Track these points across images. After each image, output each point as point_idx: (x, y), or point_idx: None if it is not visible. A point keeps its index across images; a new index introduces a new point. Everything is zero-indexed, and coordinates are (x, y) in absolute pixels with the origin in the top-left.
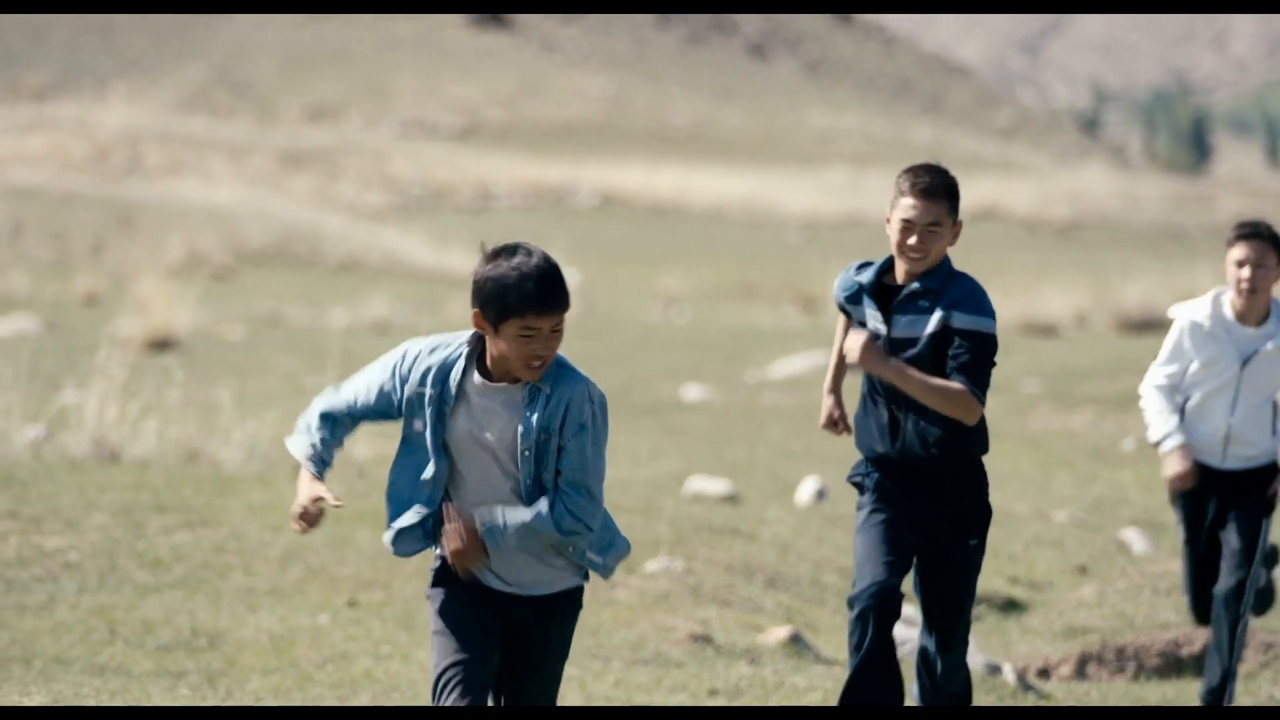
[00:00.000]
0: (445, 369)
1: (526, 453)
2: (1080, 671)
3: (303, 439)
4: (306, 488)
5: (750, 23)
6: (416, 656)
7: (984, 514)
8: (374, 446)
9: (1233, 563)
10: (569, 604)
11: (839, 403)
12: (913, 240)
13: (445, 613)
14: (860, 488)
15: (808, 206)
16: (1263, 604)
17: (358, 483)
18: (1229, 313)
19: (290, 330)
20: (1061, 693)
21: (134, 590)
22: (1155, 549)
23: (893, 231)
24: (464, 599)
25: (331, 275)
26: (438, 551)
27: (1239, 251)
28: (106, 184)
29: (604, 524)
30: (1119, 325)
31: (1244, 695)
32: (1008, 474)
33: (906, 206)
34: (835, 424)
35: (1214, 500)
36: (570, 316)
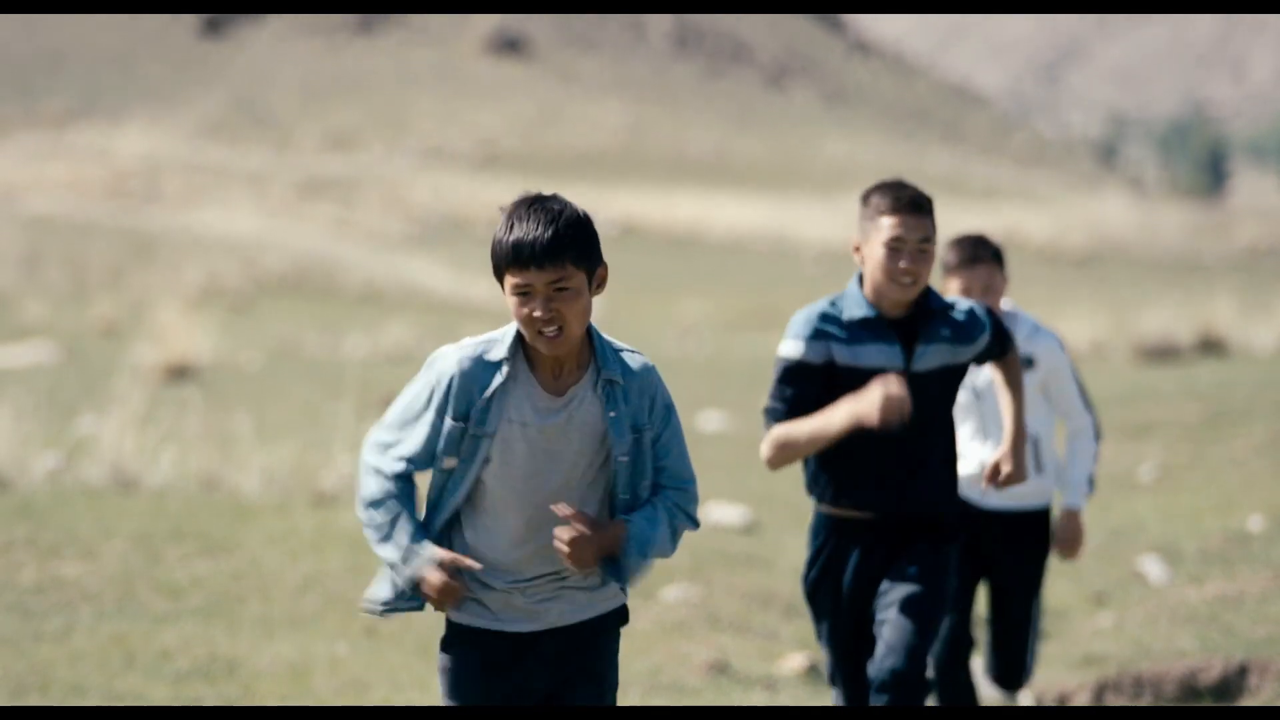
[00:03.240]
0: (489, 397)
1: (623, 458)
2: (1098, 700)
3: (388, 546)
4: (430, 568)
5: (767, 52)
6: (434, 686)
7: (945, 543)
8: None
9: (1006, 638)
10: (610, 623)
11: None
12: (904, 263)
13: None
14: (812, 598)
15: (825, 236)
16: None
17: None
18: None
19: (309, 360)
20: None
21: (151, 619)
22: (1173, 577)
23: (873, 258)
24: (490, 678)
25: (351, 305)
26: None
27: (962, 281)
28: (125, 213)
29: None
30: (1137, 354)
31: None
32: None
33: (892, 225)
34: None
35: (981, 543)
36: None
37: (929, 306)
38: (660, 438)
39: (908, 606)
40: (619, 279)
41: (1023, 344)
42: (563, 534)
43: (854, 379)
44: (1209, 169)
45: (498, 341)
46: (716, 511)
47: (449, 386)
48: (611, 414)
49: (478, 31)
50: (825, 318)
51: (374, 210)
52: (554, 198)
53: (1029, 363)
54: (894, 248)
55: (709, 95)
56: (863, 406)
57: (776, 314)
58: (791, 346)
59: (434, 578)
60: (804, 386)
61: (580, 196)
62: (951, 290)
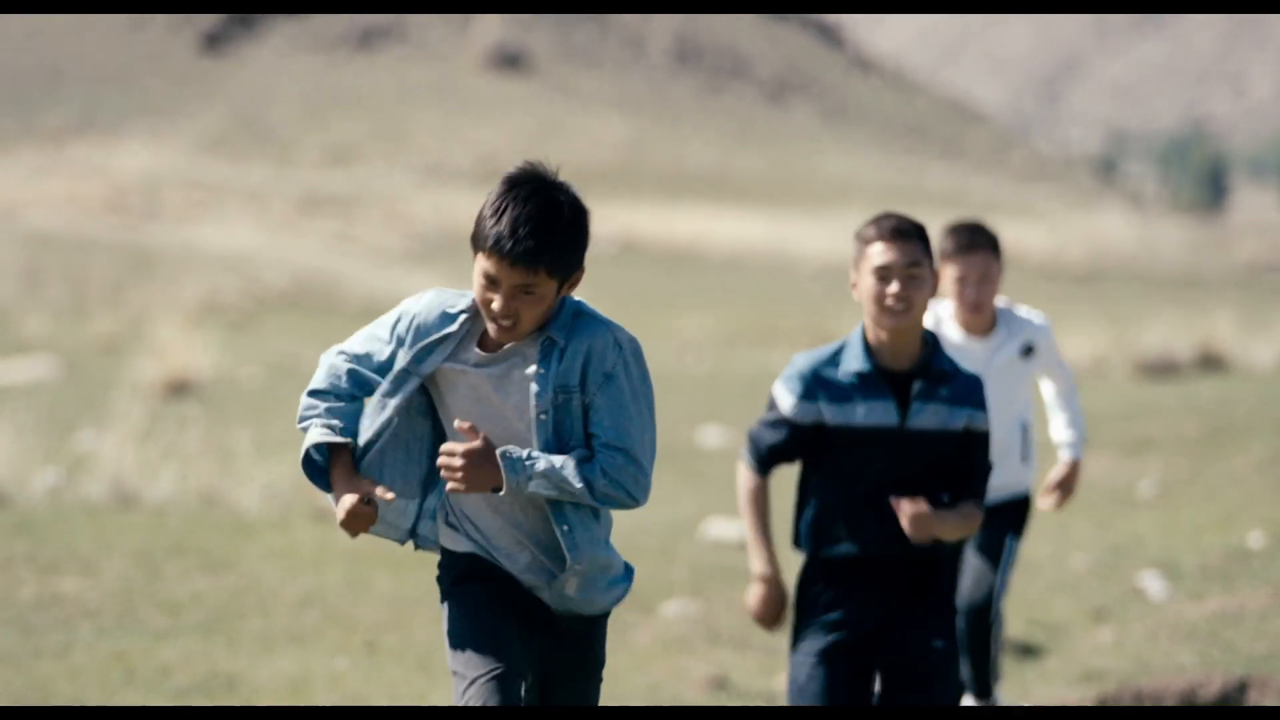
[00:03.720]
0: (433, 341)
1: (543, 416)
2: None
3: (315, 427)
4: (345, 484)
5: (767, 68)
6: (433, 699)
7: (946, 610)
8: None
9: (975, 576)
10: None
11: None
12: (894, 288)
13: (475, 612)
14: (797, 638)
15: (824, 251)
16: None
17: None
18: (953, 330)
19: (309, 375)
20: None
21: (151, 634)
22: (1173, 594)
23: (865, 289)
24: (499, 599)
25: (351, 320)
26: (441, 543)
27: (959, 269)
28: (125, 228)
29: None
30: (1137, 370)
31: None
32: None
33: (879, 252)
34: (778, 617)
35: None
36: None
37: (935, 365)
38: (594, 404)
39: (924, 683)
40: (619, 294)
41: (1028, 334)
42: (445, 448)
43: (845, 438)
44: (1209, 185)
45: (465, 297)
46: (715, 527)
47: (411, 320)
48: (540, 370)
49: (477, 47)
50: (822, 373)
51: (374, 225)
52: (559, 187)
53: (1030, 350)
54: (882, 276)
55: (709, 111)
56: (751, 591)
57: (776, 329)
58: (785, 399)
59: (347, 500)
60: (788, 439)
61: None
62: (946, 278)
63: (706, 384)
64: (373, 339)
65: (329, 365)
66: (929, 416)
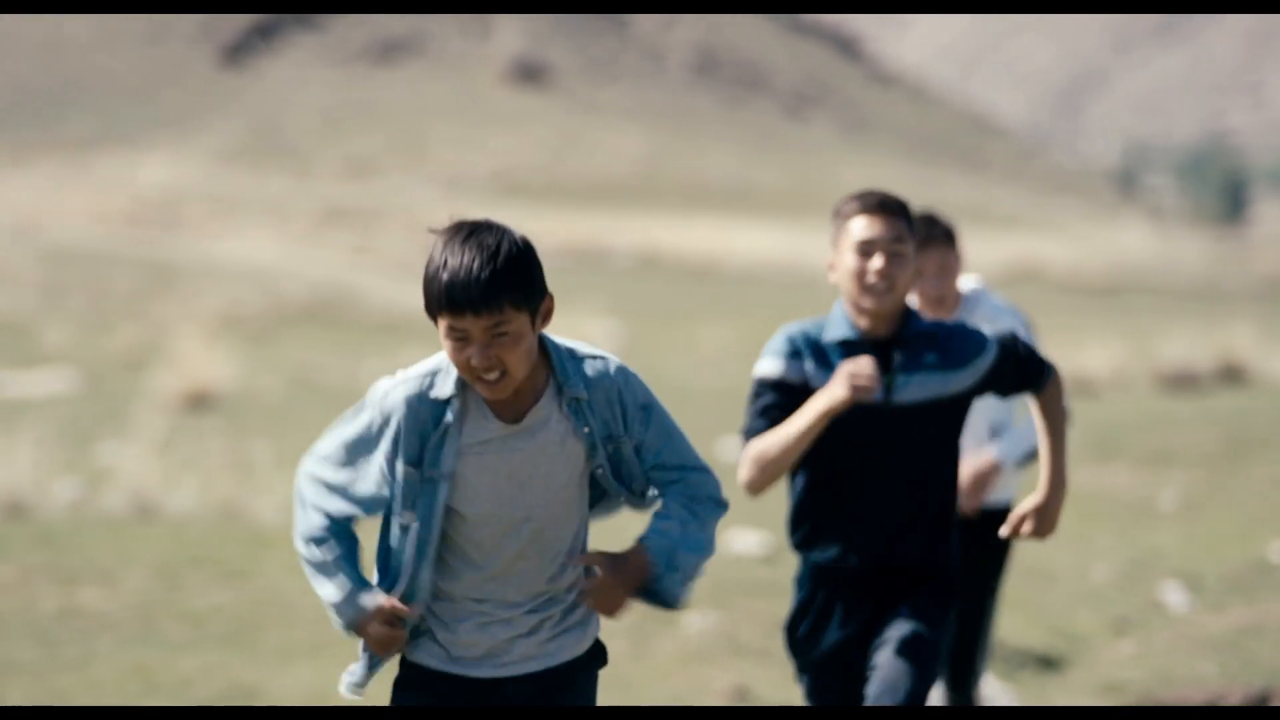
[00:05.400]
0: (439, 429)
1: (600, 471)
2: None
3: (330, 585)
4: (372, 609)
5: (786, 81)
6: None
7: (942, 599)
8: None
9: (963, 634)
10: (584, 663)
11: None
12: (877, 263)
13: None
14: (795, 650)
15: None
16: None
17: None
18: None
19: (328, 387)
20: None
21: (171, 647)
22: (1194, 605)
23: (845, 267)
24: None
25: (370, 332)
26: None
27: (937, 258)
28: (145, 241)
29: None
30: (1157, 382)
31: None
32: None
33: (861, 226)
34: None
35: None
36: None
37: (911, 329)
38: (644, 443)
39: (903, 650)
40: (638, 307)
41: (982, 324)
42: (586, 587)
43: None
44: (1229, 197)
45: (440, 373)
46: (737, 540)
47: (398, 428)
48: (585, 429)
49: (496, 60)
50: (805, 338)
51: (393, 238)
52: (489, 227)
53: None
54: (864, 251)
55: (728, 124)
56: (831, 389)
57: None
58: (770, 364)
59: (373, 630)
60: (784, 405)
61: (599, 225)
62: (920, 265)
63: (725, 397)
64: (355, 465)
65: (316, 508)
66: (917, 388)
